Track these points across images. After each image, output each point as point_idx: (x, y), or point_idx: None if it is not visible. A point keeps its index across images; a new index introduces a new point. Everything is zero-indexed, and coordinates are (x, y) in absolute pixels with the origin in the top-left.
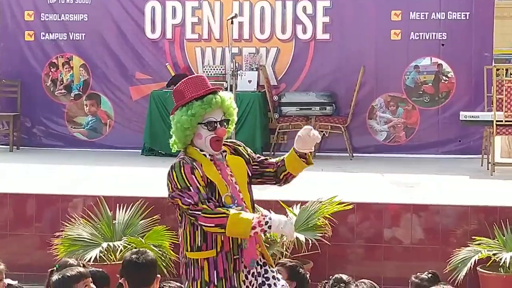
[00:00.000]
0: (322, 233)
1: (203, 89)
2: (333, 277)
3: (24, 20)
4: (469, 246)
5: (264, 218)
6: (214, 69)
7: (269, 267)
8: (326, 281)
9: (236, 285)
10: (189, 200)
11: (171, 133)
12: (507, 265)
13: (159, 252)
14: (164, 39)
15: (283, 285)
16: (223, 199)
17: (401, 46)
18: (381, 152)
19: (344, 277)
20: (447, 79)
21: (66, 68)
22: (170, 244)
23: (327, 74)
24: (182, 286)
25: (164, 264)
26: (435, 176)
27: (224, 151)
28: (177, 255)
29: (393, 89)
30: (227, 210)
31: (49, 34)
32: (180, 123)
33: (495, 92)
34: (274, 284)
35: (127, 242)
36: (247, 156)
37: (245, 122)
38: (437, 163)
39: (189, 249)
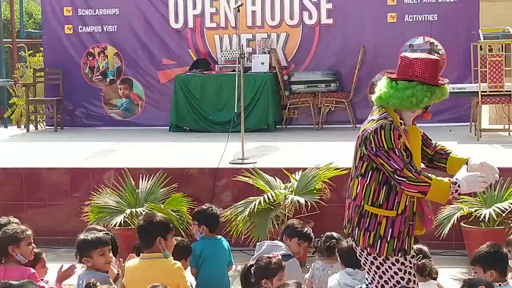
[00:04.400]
0: (320, 196)
1: (437, 78)
2: (325, 235)
3: (63, 15)
4: (453, 204)
5: (454, 185)
6: (231, 53)
7: None
8: (318, 238)
9: (406, 248)
10: (396, 166)
11: (379, 90)
12: (487, 220)
13: (177, 216)
14: (186, 28)
15: None
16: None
17: (396, 28)
18: None
19: (335, 234)
20: (438, 55)
21: (101, 57)
22: (188, 209)
23: (331, 54)
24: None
25: (182, 227)
26: None
27: None
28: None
29: (391, 66)
30: (429, 178)
31: (86, 27)
32: (416, 99)
33: (479, 66)
34: None
35: (149, 208)
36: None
37: (259, 100)
38: (431, 131)
39: (369, 203)
